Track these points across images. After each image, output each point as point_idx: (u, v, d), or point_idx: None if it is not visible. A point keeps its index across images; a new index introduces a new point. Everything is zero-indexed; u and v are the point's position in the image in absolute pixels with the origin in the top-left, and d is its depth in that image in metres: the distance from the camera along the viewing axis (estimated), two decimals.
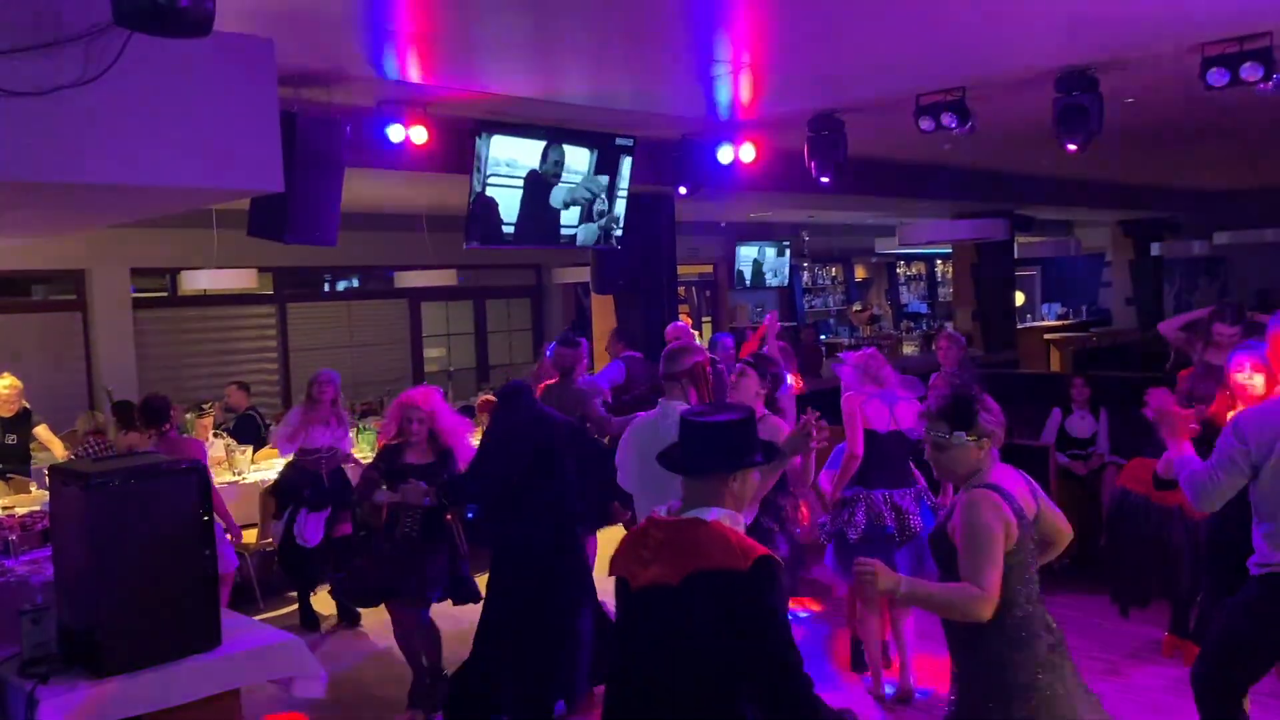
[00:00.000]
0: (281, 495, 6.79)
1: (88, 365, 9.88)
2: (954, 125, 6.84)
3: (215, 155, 3.89)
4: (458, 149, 7.20)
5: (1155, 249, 16.63)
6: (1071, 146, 6.59)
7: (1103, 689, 4.79)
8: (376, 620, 6.91)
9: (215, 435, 8.03)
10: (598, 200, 8.15)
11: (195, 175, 3.86)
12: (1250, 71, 5.77)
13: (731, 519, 2.58)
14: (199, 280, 9.22)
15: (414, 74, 6.08)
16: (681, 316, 13.45)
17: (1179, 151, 11.03)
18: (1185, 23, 5.64)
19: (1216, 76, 5.88)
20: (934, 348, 7.57)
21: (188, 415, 8.12)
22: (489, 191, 7.37)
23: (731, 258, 15.99)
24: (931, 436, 3.10)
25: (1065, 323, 18.37)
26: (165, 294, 10.72)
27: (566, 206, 7.97)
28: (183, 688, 3.58)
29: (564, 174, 7.83)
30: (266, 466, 7.69)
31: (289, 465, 6.73)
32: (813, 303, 18.63)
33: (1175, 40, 5.90)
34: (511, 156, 7.43)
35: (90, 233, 8.65)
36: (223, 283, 9.25)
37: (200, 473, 3.65)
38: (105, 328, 9.80)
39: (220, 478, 7.25)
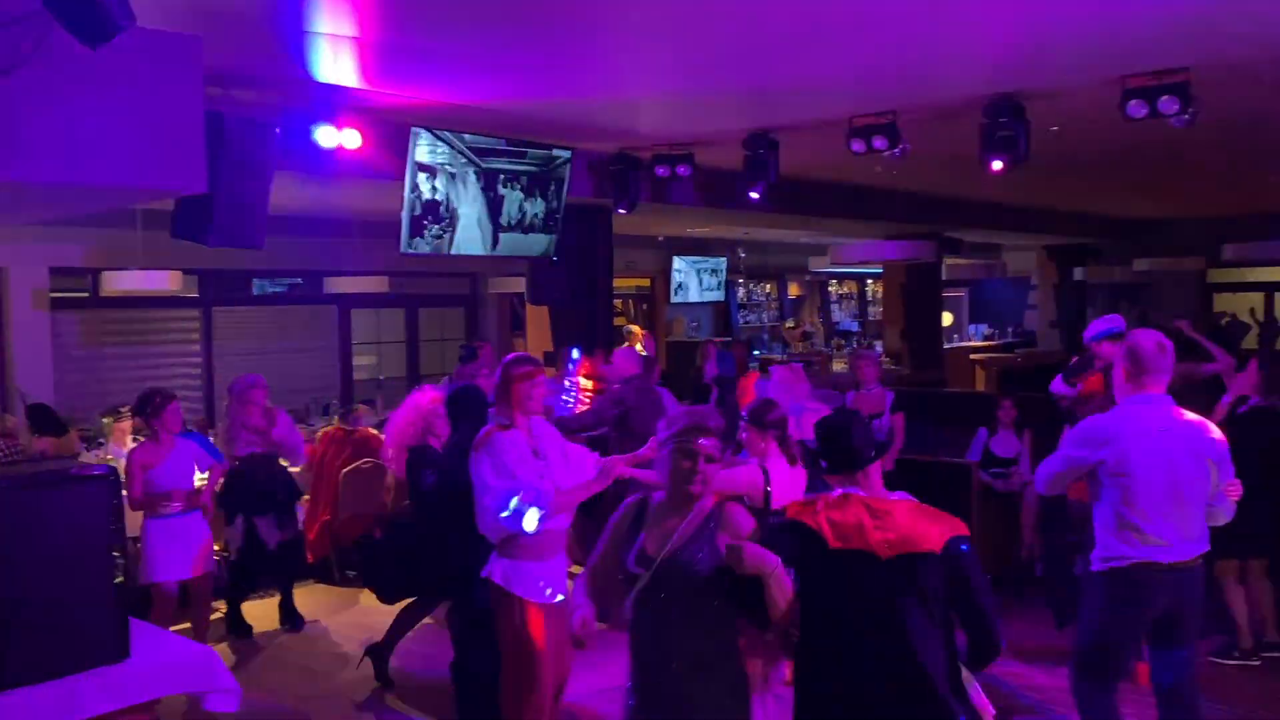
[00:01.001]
0: (230, 502, 6.66)
1: (1, 367, 9.56)
2: (885, 148, 6.96)
3: (135, 154, 3.79)
4: (391, 154, 7.13)
5: (1078, 273, 17.08)
6: (996, 165, 6.74)
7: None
8: (317, 629, 6.82)
9: (135, 440, 7.81)
10: (534, 211, 8.12)
11: (114, 174, 3.75)
12: (1167, 105, 5.97)
13: None
14: (121, 281, 8.97)
15: (347, 77, 6.00)
16: (637, 332, 13.49)
17: (1102, 180, 11.36)
18: (1108, 56, 5.81)
19: (1136, 108, 6.07)
20: (856, 370, 7.67)
21: (104, 419, 7.89)
22: (424, 195, 7.30)
23: (667, 271, 16.07)
24: None
25: (991, 343, 18.75)
26: (86, 294, 10.41)
27: (504, 216, 7.93)
28: (88, 701, 3.47)
29: (500, 183, 7.79)
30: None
31: (233, 472, 6.59)
32: (747, 318, 18.78)
33: (1098, 72, 6.08)
34: (447, 162, 7.38)
35: (6, 230, 8.38)
36: (146, 285, 9.02)
37: (108, 480, 3.54)
38: (21, 328, 9.49)
39: None
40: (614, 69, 6.17)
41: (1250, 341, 15.06)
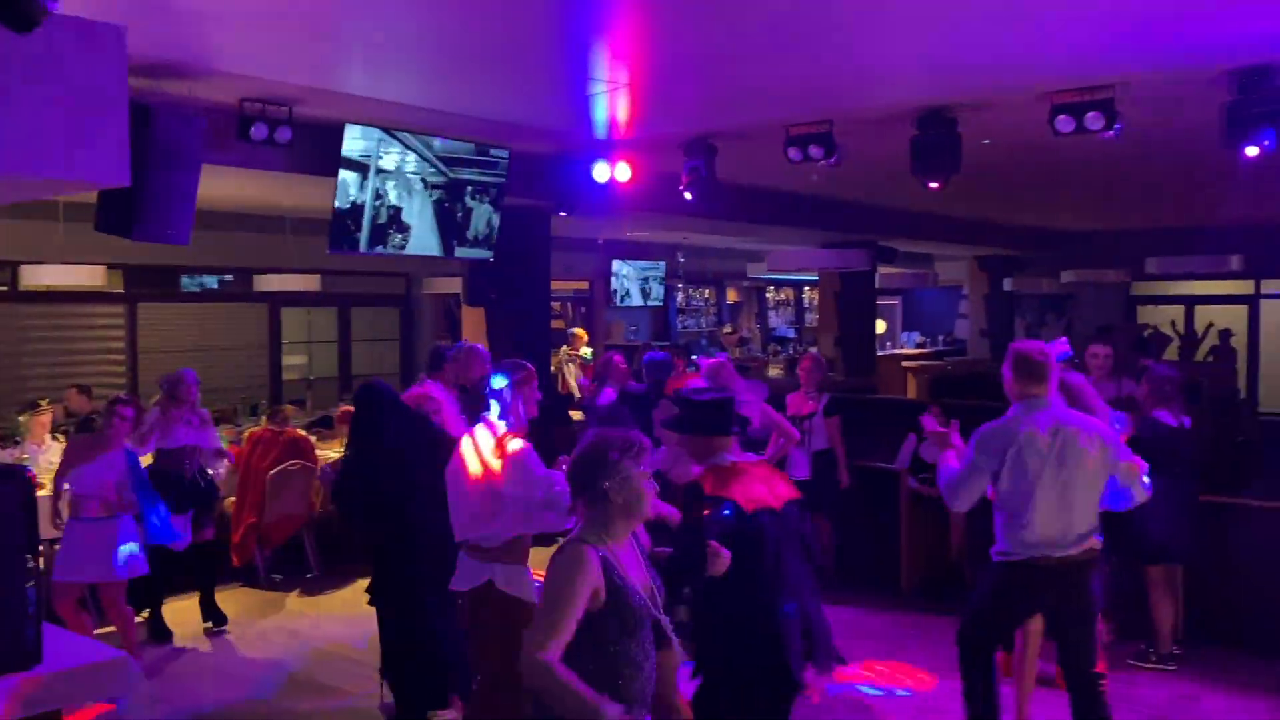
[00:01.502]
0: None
1: None
2: (820, 157, 7.04)
3: (57, 145, 3.67)
4: (323, 150, 7.02)
5: (1007, 284, 17.46)
6: (933, 185, 6.86)
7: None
8: (244, 630, 6.68)
9: (54, 438, 7.60)
10: (472, 212, 8.06)
11: (34, 165, 3.63)
12: (1093, 120, 6.12)
13: None
14: (42, 275, 8.72)
15: (279, 72, 5.89)
16: (580, 335, 13.43)
17: (1031, 193, 11.62)
18: (1036, 71, 5.95)
19: (1063, 123, 6.22)
20: (797, 369, 7.80)
21: (20, 417, 7.64)
22: (354, 195, 7.20)
23: (607, 275, 16.06)
24: None
25: (923, 351, 19.08)
26: (4, 288, 10.08)
27: (439, 217, 7.86)
28: None
29: (434, 183, 7.72)
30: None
31: (150, 469, 6.43)
32: (686, 323, 18.87)
33: (1028, 87, 6.22)
34: (379, 159, 7.29)
35: None
36: (68, 278, 8.77)
37: (20, 479, 3.42)
38: None
39: None
40: (555, 72, 6.15)
41: (1172, 353, 15.51)
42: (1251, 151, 5.69)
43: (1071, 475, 4.16)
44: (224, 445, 7.27)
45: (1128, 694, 5.59)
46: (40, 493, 6.29)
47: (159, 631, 6.64)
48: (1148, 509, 5.46)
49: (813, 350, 7.38)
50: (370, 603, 5.13)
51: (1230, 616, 6.28)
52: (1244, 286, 16.99)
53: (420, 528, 4.87)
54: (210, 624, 6.80)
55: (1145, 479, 4.28)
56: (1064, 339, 5.96)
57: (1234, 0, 4.74)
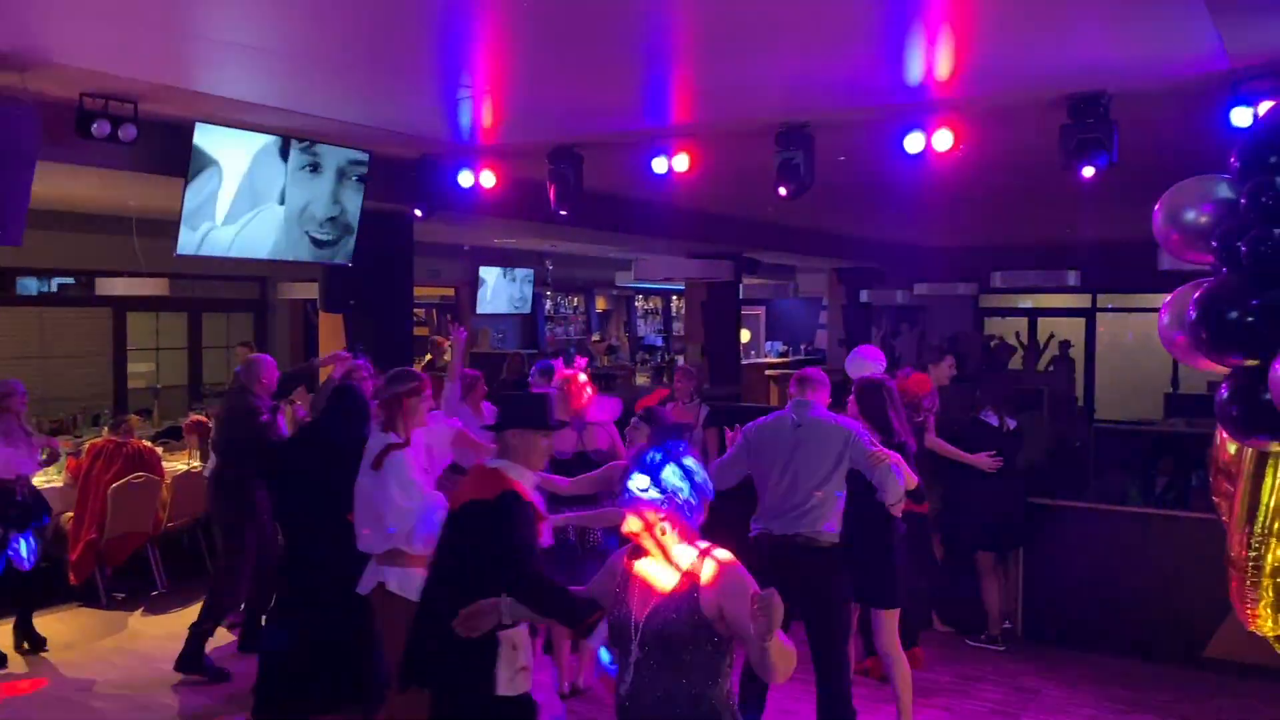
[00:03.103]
0: None
1: None
2: (684, 168, 7.13)
3: None
4: (170, 149, 6.73)
5: (864, 295, 18.07)
6: (782, 191, 7.00)
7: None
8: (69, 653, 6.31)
9: None
10: (324, 215, 7.85)
11: None
12: (940, 140, 6.39)
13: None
14: None
15: (123, 66, 5.62)
16: (441, 343, 13.15)
17: (885, 208, 12.05)
18: (886, 92, 6.18)
19: (913, 142, 6.47)
20: (669, 380, 7.86)
21: None
22: (208, 196, 6.93)
23: (474, 281, 15.89)
24: None
25: (786, 360, 19.54)
26: None
27: (294, 219, 7.62)
28: None
29: (290, 185, 7.49)
30: None
31: None
32: (554, 331, 18.85)
33: (879, 107, 6.45)
34: (232, 159, 7.03)
35: None
36: None
37: None
38: None
39: None
40: (414, 76, 6.06)
41: (1016, 362, 16.31)
42: (1088, 172, 6.05)
43: (799, 466, 4.69)
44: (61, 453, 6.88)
45: (973, 690, 5.85)
46: None
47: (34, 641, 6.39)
48: (977, 501, 6.05)
49: (680, 361, 7.39)
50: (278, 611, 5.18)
51: (1064, 613, 6.64)
52: (1082, 300, 18.03)
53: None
54: (26, 646, 6.40)
55: (891, 473, 4.63)
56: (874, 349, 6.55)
57: (1067, 33, 5.02)
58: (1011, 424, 6.59)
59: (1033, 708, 5.66)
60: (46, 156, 5.80)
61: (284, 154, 7.35)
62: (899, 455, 4.76)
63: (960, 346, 14.65)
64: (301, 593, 5.02)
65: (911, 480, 4.76)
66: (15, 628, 6.49)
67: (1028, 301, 18.66)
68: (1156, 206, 4.12)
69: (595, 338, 19.70)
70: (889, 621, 5.01)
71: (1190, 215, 3.99)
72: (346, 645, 4.91)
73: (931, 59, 5.54)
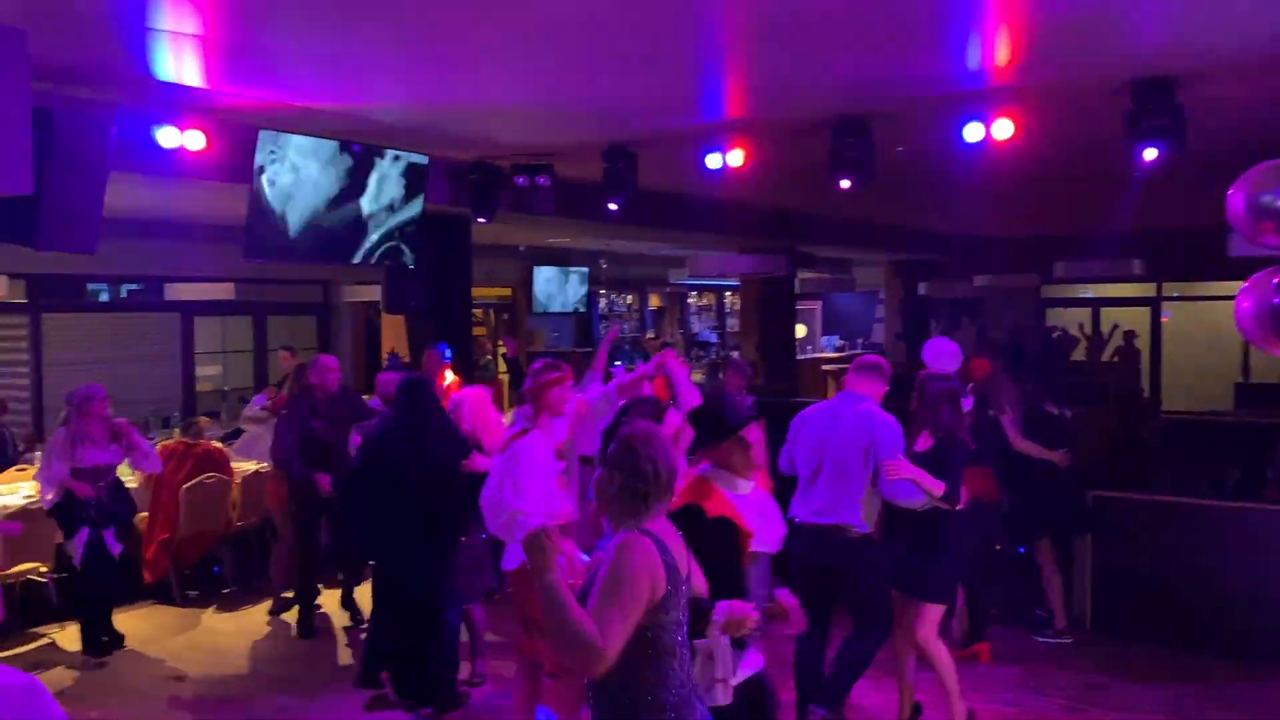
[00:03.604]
0: (65, 516, 6.30)
1: None
2: (739, 164, 7.13)
3: None
4: (238, 156, 6.88)
5: (922, 288, 17.86)
6: (845, 183, 6.97)
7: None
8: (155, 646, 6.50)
9: None
10: (386, 218, 7.97)
11: None
12: (1000, 129, 6.32)
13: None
14: None
15: (190, 76, 5.76)
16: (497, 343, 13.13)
17: (944, 199, 11.91)
18: (944, 82, 6.11)
19: (972, 132, 6.40)
20: (720, 375, 7.86)
21: None
22: (273, 201, 7.08)
23: (529, 282, 16.01)
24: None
25: (842, 354, 19.40)
26: None
27: (355, 222, 7.75)
28: None
29: (353, 189, 7.62)
30: (8, 490, 7.11)
31: (63, 488, 6.22)
32: (609, 329, 18.91)
33: (936, 97, 6.38)
34: (301, 165, 7.17)
35: None
36: None
37: None
38: None
39: None
40: (472, 77, 6.13)
41: (1079, 353, 16.02)
42: (1149, 155, 5.94)
43: (831, 455, 4.81)
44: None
45: (1040, 684, 5.77)
46: None
47: (93, 645, 6.47)
48: (1038, 490, 6.23)
49: (734, 355, 7.37)
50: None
51: (1134, 607, 6.52)
52: (1147, 289, 17.64)
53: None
54: (105, 639, 6.58)
55: (894, 480, 4.70)
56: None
57: (1131, 13, 4.93)
58: (1067, 413, 6.64)
59: (1102, 703, 5.57)
60: (117, 166, 5.97)
61: (346, 157, 7.47)
62: (911, 469, 4.69)
63: (1020, 339, 14.45)
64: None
65: (934, 489, 4.71)
66: (85, 626, 6.64)
67: (1091, 291, 18.30)
68: (1232, 190, 4.05)
69: (650, 335, 19.72)
70: (930, 614, 4.91)
71: (1268, 198, 3.92)
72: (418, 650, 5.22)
73: (991, 46, 5.47)
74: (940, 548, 4.91)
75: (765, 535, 3.87)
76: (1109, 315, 17.70)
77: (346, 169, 7.50)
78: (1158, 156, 5.94)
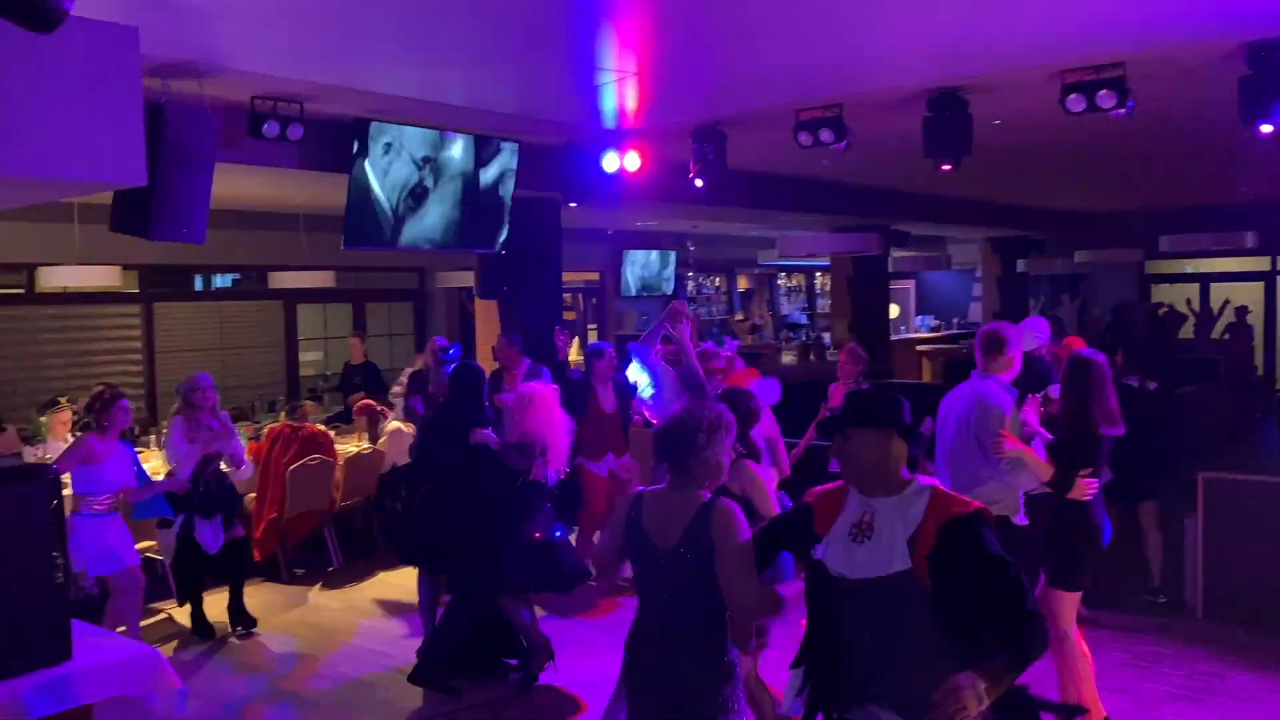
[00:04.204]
0: (172, 502, 6.52)
1: None
2: (831, 141, 7.02)
3: (72, 146, 3.70)
4: (335, 146, 7.05)
5: (1021, 265, 17.38)
6: (945, 166, 6.83)
7: None
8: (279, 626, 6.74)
9: (74, 435, 7.66)
10: (479, 204, 8.08)
11: (49, 166, 3.66)
12: (1105, 99, 6.08)
13: None
14: (58, 277, 8.78)
15: (289, 68, 5.92)
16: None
17: (1043, 173, 11.57)
18: (1047, 49, 5.92)
19: (1075, 102, 6.18)
20: (815, 358, 7.80)
21: (41, 419, 7.71)
22: (374, 189, 7.23)
23: (618, 265, 16.07)
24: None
25: (938, 335, 19.02)
26: (21, 290, 10.17)
27: (452, 209, 7.88)
28: (30, 704, 3.39)
29: (446, 176, 7.74)
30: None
31: (169, 475, 6.46)
32: (697, 312, 18.87)
33: (1038, 67, 6.19)
34: (397, 154, 7.32)
35: None
36: (84, 280, 8.84)
37: (48, 478, 3.46)
38: None
39: None
40: (560, 60, 6.16)
41: (1187, 331, 15.43)
42: (1267, 129, 5.65)
43: (950, 434, 4.91)
44: (245, 450, 7.22)
45: (1150, 671, 5.60)
46: (65, 491, 6.36)
47: (203, 628, 6.69)
48: (1141, 454, 6.18)
49: (851, 343, 7.33)
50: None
51: (1248, 592, 6.27)
52: (1260, 263, 16.88)
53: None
54: (240, 628, 6.81)
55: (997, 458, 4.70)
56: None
57: None
58: (1151, 386, 6.80)
59: (1217, 692, 5.37)
60: (222, 158, 6.16)
61: (440, 146, 7.59)
62: (1016, 444, 4.59)
63: (1122, 317, 13.97)
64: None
65: (1041, 471, 4.59)
66: (228, 608, 6.89)
67: (1199, 266, 17.60)
68: None
69: (738, 317, 19.63)
70: (1057, 599, 4.76)
71: None
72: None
73: (1095, 9, 5.27)
74: (1063, 531, 4.74)
75: None
76: (1219, 291, 17.00)
77: (439, 158, 7.63)
78: (1276, 128, 5.65)
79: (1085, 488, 4.66)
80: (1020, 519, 4.80)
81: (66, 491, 6.05)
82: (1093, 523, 4.78)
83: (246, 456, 6.88)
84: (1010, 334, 4.98)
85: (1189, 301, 16.88)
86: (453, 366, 6.64)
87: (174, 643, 6.57)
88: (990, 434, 4.62)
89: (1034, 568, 4.83)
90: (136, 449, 7.58)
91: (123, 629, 5.81)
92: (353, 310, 13.22)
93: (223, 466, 6.63)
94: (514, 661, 5.73)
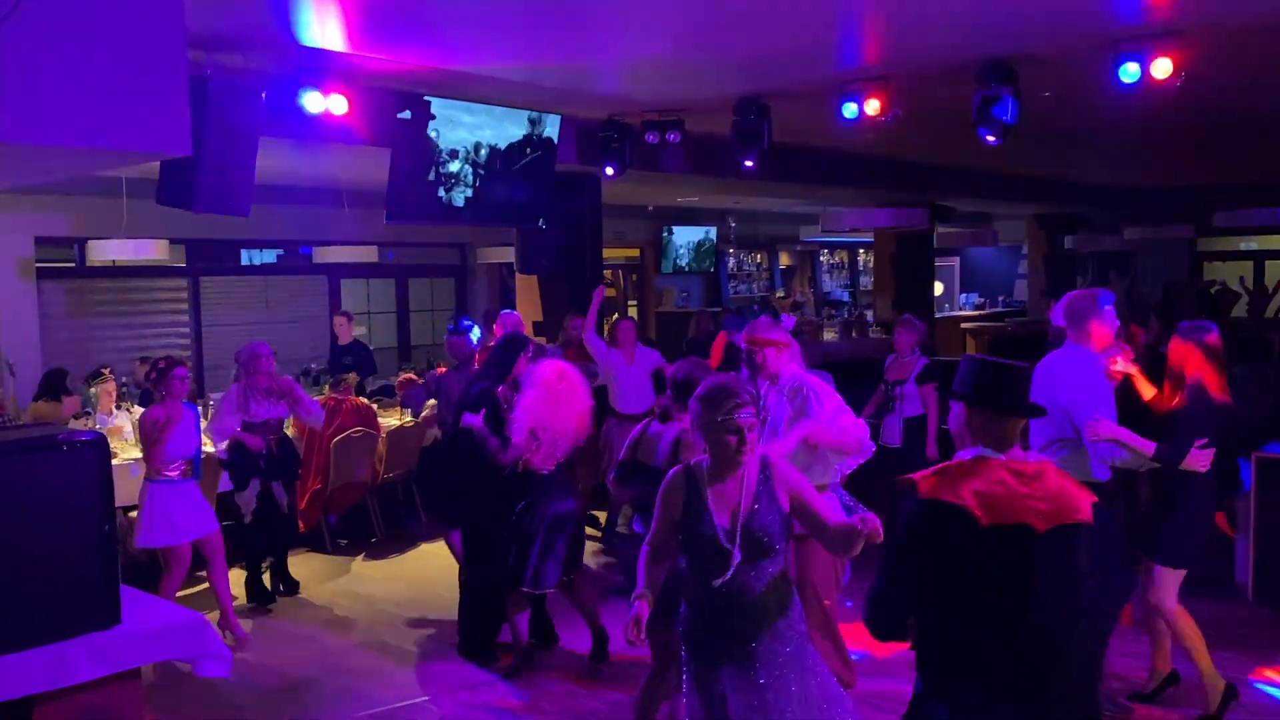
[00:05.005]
0: (236, 468, 6.65)
1: None
2: (876, 113, 6.92)
3: (117, 115, 3.73)
4: (379, 121, 7.06)
5: (1068, 242, 17.07)
6: (990, 139, 6.69)
7: None
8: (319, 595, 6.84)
9: (120, 407, 7.80)
10: (522, 178, 8.07)
11: (94, 136, 3.69)
12: (1159, 69, 5.93)
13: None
14: (108, 250, 8.91)
15: (333, 41, 5.93)
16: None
17: (1092, 147, 11.33)
18: (1099, 19, 5.78)
19: (1128, 72, 6.03)
20: (857, 334, 7.72)
21: (91, 390, 7.84)
22: (416, 163, 7.25)
23: (658, 242, 16.01)
24: None
25: (982, 313, 18.77)
26: (72, 264, 10.35)
27: (496, 184, 7.88)
28: (78, 666, 3.47)
29: (490, 150, 7.74)
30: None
31: (235, 441, 6.57)
32: (738, 289, 18.76)
33: (1090, 35, 6.05)
34: (441, 127, 7.32)
35: None
36: (132, 254, 8.95)
37: (98, 446, 3.52)
38: (6, 299, 9.42)
39: (126, 453, 7.03)
40: (604, 33, 6.11)
41: (1240, 309, 15.10)
42: None
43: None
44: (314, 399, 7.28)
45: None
46: (115, 460, 6.48)
47: (260, 594, 6.79)
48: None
49: (908, 316, 7.24)
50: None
51: None
52: None
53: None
54: (283, 590, 6.94)
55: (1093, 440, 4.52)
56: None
57: None
58: None
59: (1264, 672, 5.27)
60: (266, 133, 6.20)
61: (485, 120, 7.58)
62: (1111, 429, 4.43)
63: (1173, 296, 13.68)
64: None
65: (1143, 449, 4.43)
66: (271, 572, 7.04)
67: (1253, 243, 17.17)
68: None
69: (780, 294, 19.49)
70: (1161, 577, 4.63)
71: None
72: None
73: None
74: (1177, 507, 4.62)
75: None
76: (1274, 269, 16.59)
77: (525, 133, 7.62)
78: None
79: (1199, 459, 4.52)
80: (1101, 474, 4.61)
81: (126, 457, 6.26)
82: (1204, 497, 4.64)
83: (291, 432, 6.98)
84: (1085, 305, 4.77)
85: (1242, 279, 16.51)
86: (456, 337, 6.92)
87: (217, 611, 6.68)
88: (1089, 417, 4.46)
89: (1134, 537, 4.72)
90: None
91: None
92: (396, 285, 13.30)
93: (288, 431, 6.73)
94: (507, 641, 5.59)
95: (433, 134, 7.30)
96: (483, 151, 7.68)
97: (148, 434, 5.78)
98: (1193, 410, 4.52)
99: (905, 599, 2.58)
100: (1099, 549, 2.54)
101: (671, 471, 3.41)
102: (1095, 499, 2.57)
